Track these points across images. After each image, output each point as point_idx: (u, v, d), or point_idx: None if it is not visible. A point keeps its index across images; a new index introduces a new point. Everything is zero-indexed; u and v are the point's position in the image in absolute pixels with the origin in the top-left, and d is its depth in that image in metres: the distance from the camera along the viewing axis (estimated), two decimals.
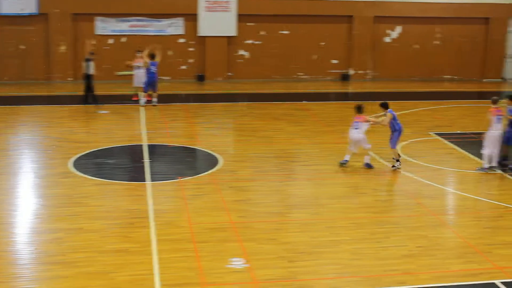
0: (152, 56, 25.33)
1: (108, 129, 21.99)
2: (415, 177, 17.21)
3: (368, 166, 17.73)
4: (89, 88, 25.51)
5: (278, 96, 27.01)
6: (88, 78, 25.36)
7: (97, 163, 18.08)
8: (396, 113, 17.73)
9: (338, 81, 33.10)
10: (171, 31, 31.57)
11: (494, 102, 17.51)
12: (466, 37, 34.12)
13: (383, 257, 12.24)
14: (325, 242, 12.90)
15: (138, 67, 25.81)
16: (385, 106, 17.88)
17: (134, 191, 15.73)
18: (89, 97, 25.57)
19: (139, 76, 25.72)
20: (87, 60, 25.33)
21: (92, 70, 25.33)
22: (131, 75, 26.22)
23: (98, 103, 25.33)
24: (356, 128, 17.70)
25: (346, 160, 17.78)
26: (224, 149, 19.59)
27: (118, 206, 14.67)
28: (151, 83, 25.31)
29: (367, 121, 17.98)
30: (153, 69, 25.23)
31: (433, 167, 18.14)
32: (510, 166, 17.80)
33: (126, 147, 19.79)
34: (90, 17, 30.79)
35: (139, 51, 26.29)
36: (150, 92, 25.42)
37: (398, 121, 17.67)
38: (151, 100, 25.48)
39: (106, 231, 13.20)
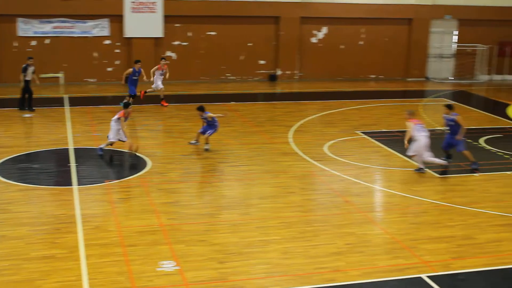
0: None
1: (33, 133, 21.49)
2: (343, 176, 17.45)
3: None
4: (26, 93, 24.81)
5: (206, 97, 26.91)
6: (25, 82, 24.62)
7: (22, 168, 17.63)
8: None
9: (266, 82, 33.28)
10: (96, 32, 31.11)
11: (411, 114, 17.95)
12: (390, 38, 34.84)
13: (313, 255, 12.36)
14: (255, 242, 12.93)
15: (161, 74, 26.56)
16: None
17: (61, 196, 15.40)
18: (25, 102, 24.90)
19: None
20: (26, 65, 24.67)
21: (30, 76, 24.65)
22: (56, 77, 25.67)
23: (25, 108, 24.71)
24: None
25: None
26: (153, 151, 19.43)
27: (43, 212, 14.35)
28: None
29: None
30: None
31: (360, 165, 18.43)
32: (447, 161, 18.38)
33: (51, 151, 19.38)
34: (11, 18, 30.03)
35: (163, 57, 27.34)
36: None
37: None
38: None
39: (32, 237, 12.87)
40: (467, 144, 19.37)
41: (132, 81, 25.38)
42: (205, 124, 19.63)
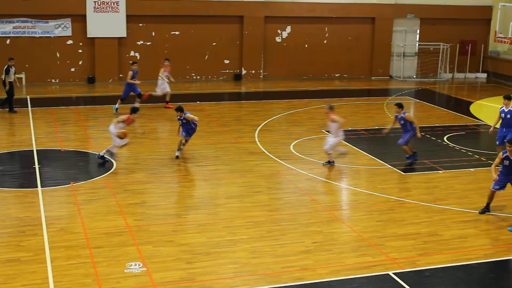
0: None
1: None
2: (309, 174, 17.51)
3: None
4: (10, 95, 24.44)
5: (171, 97, 26.70)
6: (9, 84, 24.20)
7: None
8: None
9: (230, 81, 33.24)
10: (58, 32, 30.74)
11: (330, 109, 18.33)
12: (354, 37, 35.05)
13: (281, 254, 12.39)
14: (223, 242, 12.92)
15: (166, 76, 26.21)
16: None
17: (25, 198, 15.20)
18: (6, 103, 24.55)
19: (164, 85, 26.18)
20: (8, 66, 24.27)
21: (12, 77, 24.25)
22: (18, 78, 25.29)
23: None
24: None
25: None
26: (118, 152, 19.25)
27: (7, 214, 14.14)
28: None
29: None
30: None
31: (326, 164, 18.51)
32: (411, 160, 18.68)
33: (15, 152, 19.11)
34: None
35: (167, 59, 26.83)
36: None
37: None
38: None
39: None
40: (417, 140, 19.57)
41: (130, 83, 24.80)
42: (181, 128, 18.79)
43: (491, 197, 14.76)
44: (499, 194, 14.96)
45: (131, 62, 25.75)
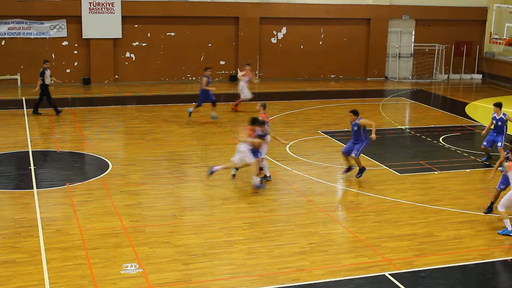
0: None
1: None
2: (305, 175, 17.51)
3: None
4: (42, 98, 24.27)
5: (167, 98, 26.76)
6: (43, 87, 24.10)
7: None
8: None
9: (226, 82, 33.22)
10: (53, 33, 30.69)
11: (263, 107, 17.40)
12: (349, 38, 35.07)
13: (277, 255, 12.38)
14: (219, 243, 12.91)
15: (247, 81, 25.67)
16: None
17: (20, 200, 15.16)
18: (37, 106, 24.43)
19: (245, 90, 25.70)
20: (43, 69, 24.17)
21: (48, 80, 24.19)
22: (13, 79, 25.19)
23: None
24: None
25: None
26: (114, 153, 19.25)
27: (3, 216, 14.11)
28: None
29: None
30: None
31: (322, 165, 18.53)
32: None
33: (10, 154, 19.06)
34: None
35: (248, 64, 26.40)
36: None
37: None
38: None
39: None
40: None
41: (205, 89, 23.87)
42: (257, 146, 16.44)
43: (496, 197, 14.80)
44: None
45: (204, 68, 24.69)
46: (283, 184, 16.92)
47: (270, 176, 17.01)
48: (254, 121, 16.32)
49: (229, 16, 32.87)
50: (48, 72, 24.11)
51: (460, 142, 21.45)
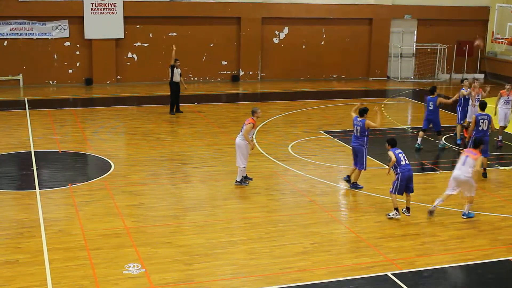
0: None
1: None
2: (307, 175, 17.51)
3: None
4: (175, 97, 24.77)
5: (168, 98, 26.64)
6: (174, 85, 24.50)
7: None
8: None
9: (228, 82, 33.23)
10: (56, 34, 30.71)
11: (256, 113, 16.55)
12: (351, 38, 35.07)
13: (279, 255, 12.38)
14: (221, 243, 12.91)
15: (507, 102, 20.89)
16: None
17: (23, 200, 15.18)
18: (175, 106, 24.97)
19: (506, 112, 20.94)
20: (172, 66, 24.45)
21: (178, 77, 24.54)
22: (15, 80, 25.16)
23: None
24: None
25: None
26: (116, 154, 19.27)
27: (5, 216, 14.12)
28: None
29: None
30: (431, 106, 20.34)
31: (324, 165, 18.52)
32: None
33: (12, 154, 19.08)
34: None
35: (510, 83, 21.25)
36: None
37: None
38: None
39: None
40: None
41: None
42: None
43: None
44: (497, 195, 14.97)
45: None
46: (285, 184, 16.92)
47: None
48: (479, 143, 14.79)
49: (231, 16, 32.87)
50: (177, 71, 24.55)
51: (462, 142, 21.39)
